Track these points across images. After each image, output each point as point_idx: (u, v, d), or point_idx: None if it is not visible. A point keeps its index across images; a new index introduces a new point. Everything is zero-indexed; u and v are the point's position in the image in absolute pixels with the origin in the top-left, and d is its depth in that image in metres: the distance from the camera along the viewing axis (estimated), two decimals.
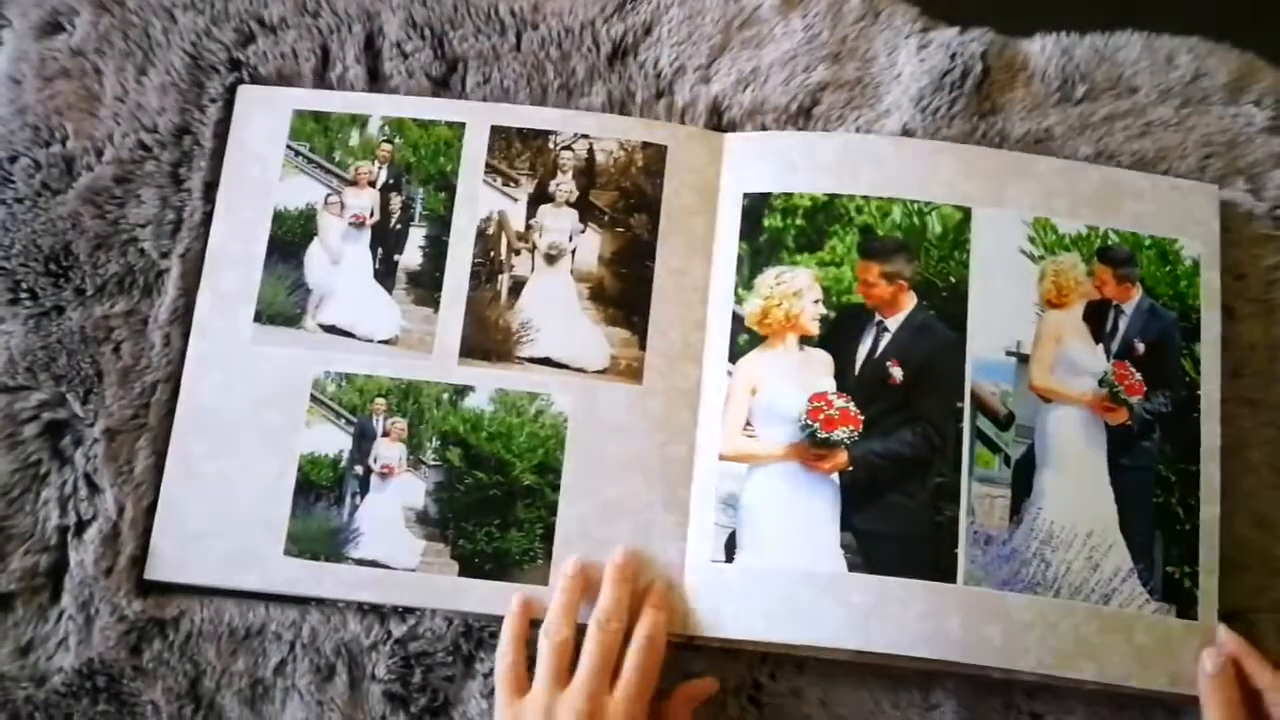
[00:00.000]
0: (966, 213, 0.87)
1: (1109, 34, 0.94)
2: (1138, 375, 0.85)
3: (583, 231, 0.89)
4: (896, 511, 0.83)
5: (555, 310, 0.88)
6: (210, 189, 0.91)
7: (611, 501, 0.84)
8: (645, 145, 0.90)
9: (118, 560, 0.84)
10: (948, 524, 0.82)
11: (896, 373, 0.85)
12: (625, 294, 0.88)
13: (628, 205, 0.89)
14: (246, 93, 0.93)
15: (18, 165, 0.90)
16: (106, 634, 0.83)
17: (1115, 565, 0.82)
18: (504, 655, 0.80)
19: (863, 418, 0.84)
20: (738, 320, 0.86)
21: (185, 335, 0.88)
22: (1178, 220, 0.88)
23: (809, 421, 0.84)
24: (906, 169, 0.88)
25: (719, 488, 0.84)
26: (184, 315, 0.89)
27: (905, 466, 0.83)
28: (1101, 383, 0.85)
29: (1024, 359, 0.85)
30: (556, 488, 0.85)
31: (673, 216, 0.89)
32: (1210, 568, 0.82)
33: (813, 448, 0.83)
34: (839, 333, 0.86)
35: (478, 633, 0.84)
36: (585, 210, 0.90)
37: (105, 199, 0.90)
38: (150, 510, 0.85)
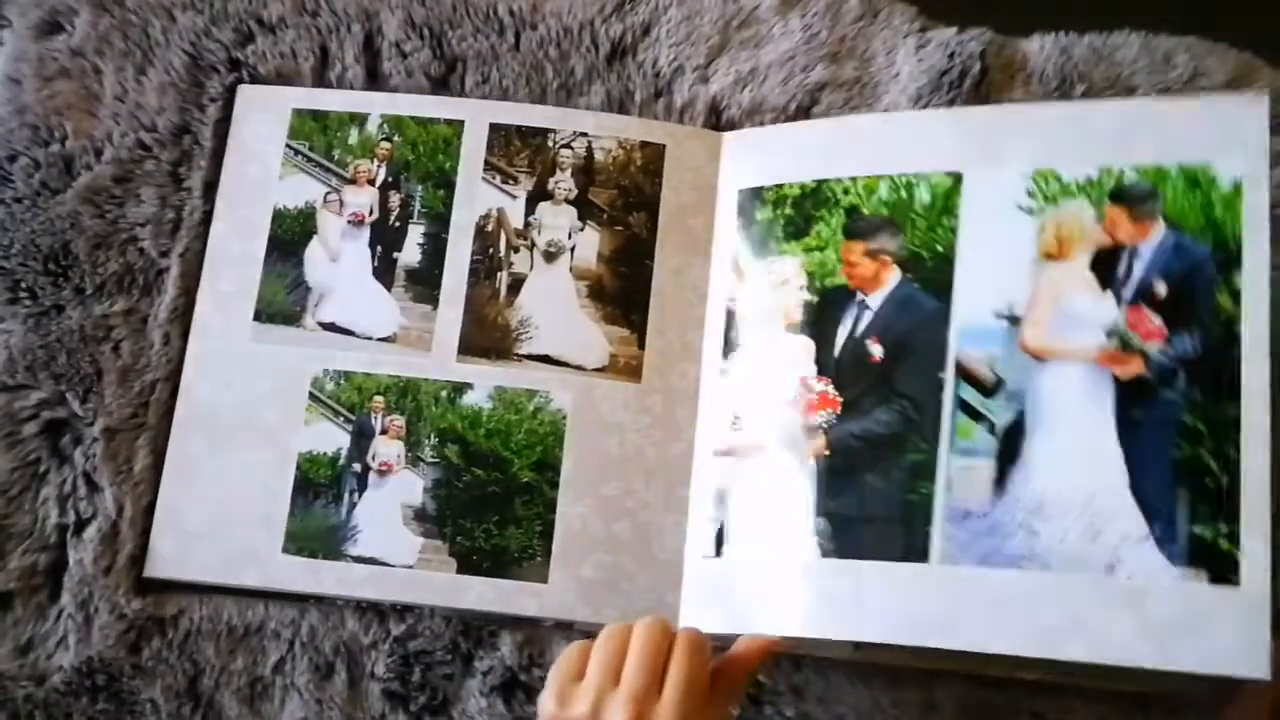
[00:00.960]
0: (958, 178, 0.83)
1: (1107, 33, 0.94)
2: (1156, 320, 0.77)
3: (582, 229, 0.89)
4: (869, 493, 0.79)
5: (554, 308, 0.88)
6: (210, 188, 0.91)
7: (610, 499, 0.84)
8: (644, 144, 0.90)
9: (117, 559, 0.84)
10: (922, 502, 0.78)
11: (876, 350, 0.81)
12: (624, 292, 0.88)
13: (627, 204, 0.89)
14: (246, 93, 0.93)
15: (17, 165, 0.91)
16: (105, 632, 0.83)
17: (1122, 531, 0.73)
18: (573, 650, 0.73)
19: (841, 400, 0.81)
20: (730, 317, 0.86)
21: (184, 334, 0.88)
22: (1212, 142, 0.78)
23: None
24: (896, 142, 0.85)
25: (713, 484, 0.83)
26: (183, 314, 0.89)
27: (881, 446, 0.80)
28: (1110, 334, 0.78)
29: (1016, 321, 0.80)
30: (555, 485, 0.85)
31: (671, 216, 0.89)
32: (1256, 524, 0.71)
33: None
34: (821, 316, 0.83)
35: (476, 631, 0.84)
36: (584, 208, 0.90)
37: (105, 198, 0.90)
38: (149, 509, 0.85)
